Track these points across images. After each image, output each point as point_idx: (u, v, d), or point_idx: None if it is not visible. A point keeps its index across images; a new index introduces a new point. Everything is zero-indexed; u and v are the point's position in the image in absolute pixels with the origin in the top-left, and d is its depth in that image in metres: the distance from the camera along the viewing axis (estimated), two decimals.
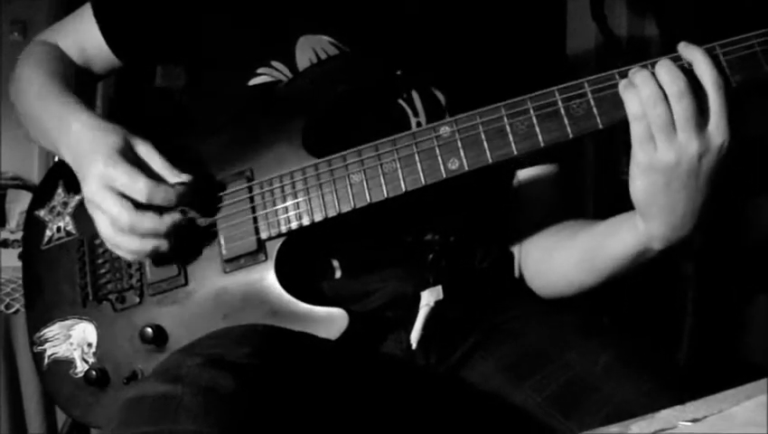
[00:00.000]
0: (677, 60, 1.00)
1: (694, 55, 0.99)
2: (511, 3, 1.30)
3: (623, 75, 1.01)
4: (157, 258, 1.14)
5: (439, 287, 1.15)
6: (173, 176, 1.10)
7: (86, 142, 1.12)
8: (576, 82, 1.03)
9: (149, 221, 1.08)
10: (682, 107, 0.97)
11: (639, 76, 0.99)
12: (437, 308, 1.15)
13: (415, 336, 1.15)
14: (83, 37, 1.31)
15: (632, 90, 0.99)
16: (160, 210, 1.09)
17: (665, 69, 0.98)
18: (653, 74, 0.98)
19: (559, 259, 1.23)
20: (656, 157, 0.99)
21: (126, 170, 1.07)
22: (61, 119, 1.18)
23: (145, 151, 1.11)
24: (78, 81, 1.30)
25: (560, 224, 1.27)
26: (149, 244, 1.09)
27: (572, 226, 1.25)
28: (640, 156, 1.01)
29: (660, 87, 0.98)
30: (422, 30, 1.22)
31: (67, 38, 1.33)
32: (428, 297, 1.15)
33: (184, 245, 1.13)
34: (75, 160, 1.15)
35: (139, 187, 1.06)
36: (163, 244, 1.10)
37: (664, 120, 0.97)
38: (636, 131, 1.00)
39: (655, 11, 2.29)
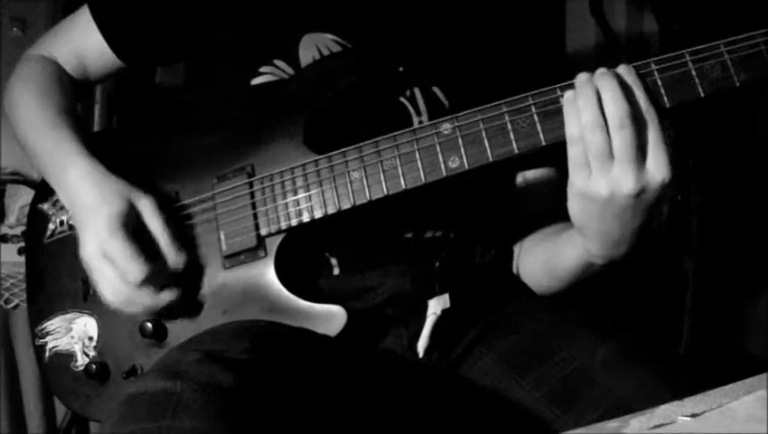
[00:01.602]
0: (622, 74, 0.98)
1: (626, 82, 0.96)
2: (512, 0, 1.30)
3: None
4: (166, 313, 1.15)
5: (446, 296, 1.16)
6: (172, 253, 1.11)
7: (87, 197, 1.13)
8: None
9: (146, 298, 1.10)
10: (621, 137, 0.94)
11: (582, 95, 0.96)
12: (444, 316, 1.15)
13: (422, 345, 1.16)
14: (81, 43, 1.30)
15: (573, 109, 0.97)
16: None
17: (608, 92, 0.95)
18: (598, 93, 0.96)
19: (528, 261, 1.26)
20: (589, 185, 0.97)
21: (123, 247, 1.08)
22: (56, 161, 1.18)
23: (149, 217, 1.12)
24: (77, 97, 1.30)
25: (547, 226, 1.27)
26: (150, 311, 1.12)
27: (546, 230, 1.26)
28: (575, 179, 0.99)
29: (602, 110, 0.95)
30: (424, 27, 1.22)
31: (63, 46, 1.32)
32: (435, 306, 1.15)
33: (185, 244, 1.14)
34: (73, 208, 1.16)
35: (132, 272, 1.08)
36: (164, 313, 1.13)
37: (602, 149, 0.95)
38: (572, 153, 0.98)
39: (653, 6, 2.29)
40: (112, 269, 1.09)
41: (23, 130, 1.26)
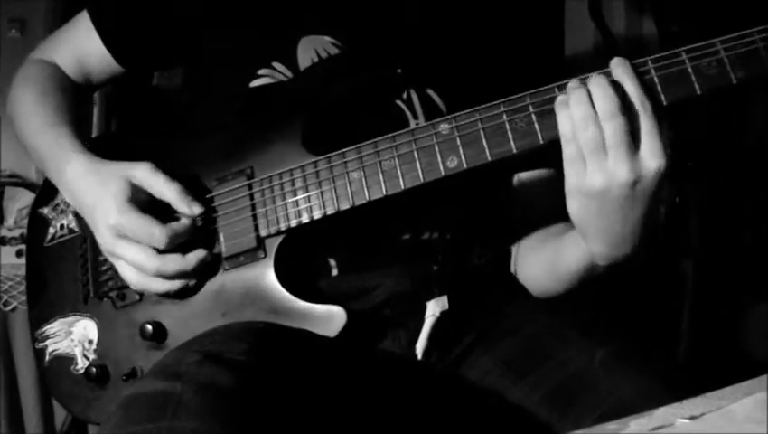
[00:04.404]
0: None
1: (620, 74, 0.96)
2: (511, 2, 1.30)
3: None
4: (186, 293, 1.15)
5: (444, 298, 1.16)
6: (186, 207, 1.11)
7: (89, 194, 1.13)
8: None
9: (174, 263, 1.10)
10: (612, 127, 0.94)
11: (573, 94, 0.97)
12: (442, 318, 1.15)
13: (420, 346, 1.16)
14: (81, 47, 1.31)
15: (564, 110, 0.97)
16: (182, 247, 1.11)
17: (597, 87, 0.96)
18: (589, 92, 0.96)
19: (530, 263, 1.25)
20: (585, 181, 0.97)
21: (138, 220, 1.08)
22: (54, 161, 1.19)
23: (151, 183, 1.11)
24: (77, 99, 1.30)
25: (548, 227, 1.26)
26: (177, 284, 1.12)
27: (548, 230, 1.25)
28: (571, 178, 0.99)
29: (594, 107, 0.95)
30: (423, 30, 1.22)
31: (64, 51, 1.32)
32: (434, 308, 1.15)
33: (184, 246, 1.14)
34: (79, 207, 1.17)
35: (157, 237, 1.08)
36: (191, 281, 1.13)
37: (595, 143, 0.95)
38: (567, 152, 0.98)
39: (653, 8, 2.29)
40: (132, 246, 1.09)
41: (23, 130, 1.27)
